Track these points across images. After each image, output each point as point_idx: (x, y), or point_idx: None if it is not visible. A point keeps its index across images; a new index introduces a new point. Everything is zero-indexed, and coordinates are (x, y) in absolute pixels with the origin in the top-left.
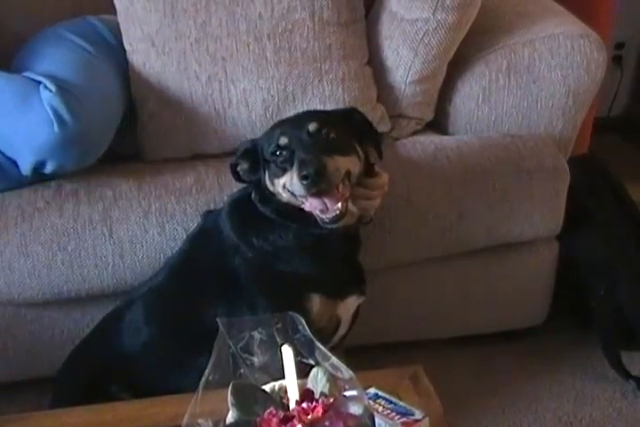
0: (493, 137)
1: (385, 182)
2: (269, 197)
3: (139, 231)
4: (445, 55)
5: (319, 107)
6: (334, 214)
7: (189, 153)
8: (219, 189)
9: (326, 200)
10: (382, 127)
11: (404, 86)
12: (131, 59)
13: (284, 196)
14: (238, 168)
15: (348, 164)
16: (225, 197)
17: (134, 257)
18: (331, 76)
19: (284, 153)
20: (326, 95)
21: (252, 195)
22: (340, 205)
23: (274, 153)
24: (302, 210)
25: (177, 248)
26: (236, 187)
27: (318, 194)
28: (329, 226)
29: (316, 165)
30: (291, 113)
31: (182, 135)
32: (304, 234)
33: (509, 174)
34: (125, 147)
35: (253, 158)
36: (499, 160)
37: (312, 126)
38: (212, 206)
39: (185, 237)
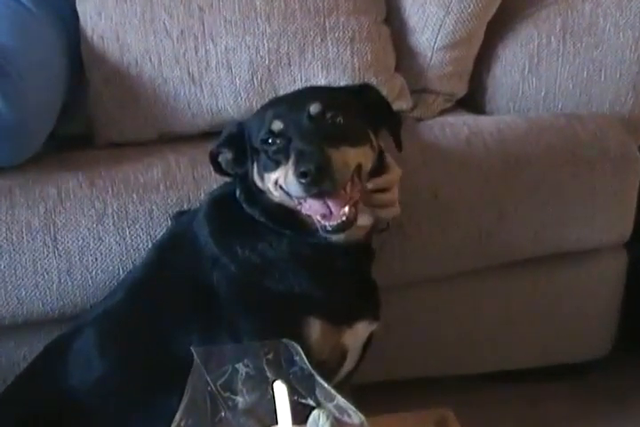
0: (543, 117)
1: (395, 179)
2: (258, 196)
3: (91, 240)
4: (485, 13)
5: (320, 72)
6: (339, 222)
7: (155, 133)
8: (194, 183)
9: (330, 203)
10: (401, 104)
11: (430, 53)
12: (81, 9)
13: (276, 195)
14: (220, 158)
15: (358, 156)
16: (202, 195)
17: (85, 272)
18: (336, 35)
19: (278, 141)
20: (330, 59)
21: (237, 192)
22: (347, 209)
23: (265, 141)
24: (299, 213)
25: (140, 260)
26: (217, 181)
27: (320, 195)
28: (332, 235)
29: (319, 158)
30: (285, 79)
31: (146, 109)
32: (300, 243)
33: (564, 165)
34: (72, 126)
35: (239, 146)
36: (550, 147)
37: (314, 108)
38: (184, 206)
39: (150, 245)
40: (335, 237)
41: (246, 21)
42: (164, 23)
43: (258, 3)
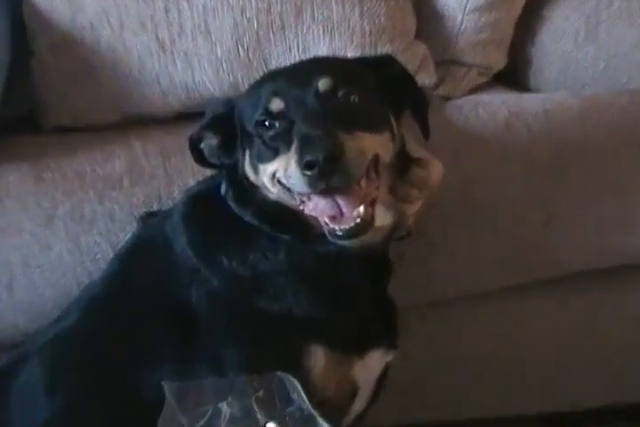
0: (601, 95)
1: (434, 175)
2: (250, 193)
3: (37, 248)
4: None
5: (322, 38)
6: (352, 225)
7: (116, 115)
8: (165, 177)
9: (341, 202)
10: (423, 79)
11: (461, 15)
12: None
13: (273, 191)
14: (202, 144)
15: (376, 145)
16: (177, 192)
17: (30, 288)
18: None
19: (278, 124)
20: (335, 21)
21: (223, 188)
22: (361, 209)
23: (261, 123)
24: (301, 214)
25: (99, 273)
26: (196, 175)
27: (329, 191)
28: (343, 242)
29: (328, 145)
30: (278, 47)
31: (104, 84)
32: (303, 252)
33: (627, 153)
34: (13, 107)
35: (227, 130)
36: (610, 131)
37: (323, 83)
38: (154, 207)
39: (112, 255)
40: (346, 244)
41: None
42: None
43: None
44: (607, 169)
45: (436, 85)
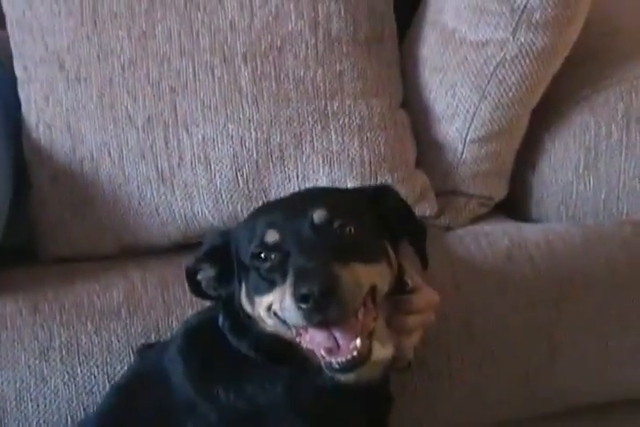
0: (604, 226)
1: (430, 303)
2: (246, 324)
3: (32, 380)
4: (529, 98)
5: (321, 168)
6: (349, 357)
7: (114, 246)
8: (164, 308)
9: (337, 334)
10: (424, 209)
11: (461, 146)
12: (25, 91)
13: (269, 323)
14: (199, 276)
15: (373, 276)
16: (174, 324)
17: (24, 423)
18: (341, 122)
19: (273, 256)
20: (333, 151)
21: (220, 320)
22: (358, 342)
23: (256, 255)
24: (298, 346)
25: (95, 407)
26: (193, 306)
27: (324, 324)
28: (340, 375)
29: (323, 277)
30: (277, 177)
31: (103, 215)
32: (301, 385)
33: (631, 287)
34: (11, 237)
35: (224, 261)
36: (614, 264)
37: (319, 215)
38: (152, 338)
39: (108, 388)
40: (344, 378)
41: (229, 106)
42: (127, 108)
43: (243, 83)
44: (611, 302)
45: (437, 215)
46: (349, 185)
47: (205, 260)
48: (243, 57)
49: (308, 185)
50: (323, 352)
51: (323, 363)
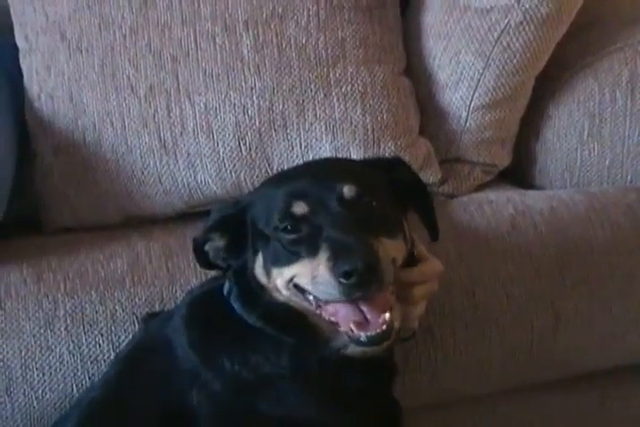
0: (608, 192)
1: (435, 273)
2: (257, 294)
3: (38, 349)
4: (533, 65)
5: (324, 136)
6: (379, 331)
7: (118, 216)
8: (168, 278)
9: (365, 308)
10: (427, 176)
11: (465, 113)
12: (26, 61)
13: (285, 293)
14: (207, 246)
15: (395, 250)
16: (178, 293)
17: (29, 391)
18: (344, 89)
19: (301, 228)
20: (336, 119)
21: (226, 289)
22: (387, 316)
23: (281, 226)
24: (309, 317)
25: (100, 376)
26: (197, 275)
27: (361, 299)
28: (366, 348)
29: (366, 253)
30: (280, 145)
31: (106, 185)
32: (306, 356)
33: (635, 253)
34: (15, 208)
35: (236, 231)
36: (619, 230)
37: (349, 190)
38: (156, 307)
39: (112, 357)
40: (351, 350)
41: (231, 74)
42: (129, 77)
43: (245, 51)
44: (615, 269)
45: (441, 183)
46: (352, 153)
47: (216, 229)
48: (244, 25)
49: (311, 153)
50: (352, 326)
51: (347, 336)
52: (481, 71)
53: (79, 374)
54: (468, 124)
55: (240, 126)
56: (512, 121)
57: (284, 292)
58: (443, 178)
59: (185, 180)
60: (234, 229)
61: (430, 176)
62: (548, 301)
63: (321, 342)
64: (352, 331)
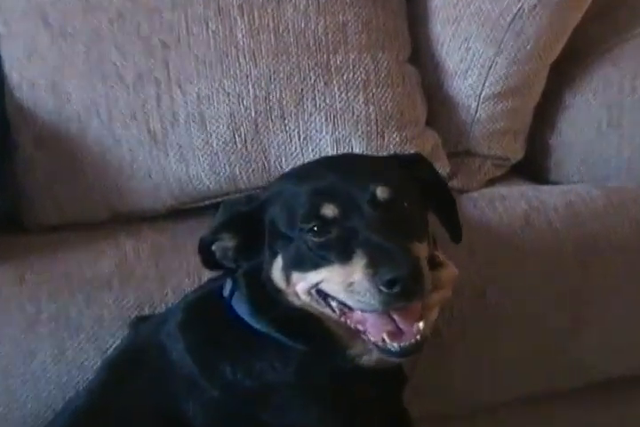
0: (627, 188)
1: (451, 279)
2: (271, 299)
3: (20, 356)
4: (548, 52)
5: (324, 127)
6: (413, 341)
7: (105, 212)
8: (158, 279)
9: (398, 318)
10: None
11: (475, 103)
12: (6, 47)
13: (304, 299)
14: (214, 246)
15: (423, 254)
16: (169, 295)
17: (10, 400)
18: (345, 77)
19: (331, 231)
20: (337, 109)
21: (227, 291)
22: (421, 325)
23: (309, 229)
24: (325, 324)
25: (85, 383)
26: (191, 275)
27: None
28: (396, 359)
29: (410, 261)
30: (278, 137)
31: (92, 179)
32: (314, 364)
33: None
34: None
35: (249, 230)
36: (638, 227)
37: (382, 192)
38: (146, 311)
39: (99, 363)
40: (366, 359)
41: (224, 61)
42: (116, 65)
43: (240, 36)
44: (635, 267)
45: (450, 177)
46: (354, 145)
47: (227, 228)
48: (239, 8)
49: (311, 145)
50: (385, 336)
51: (376, 346)
52: (492, 58)
53: (63, 381)
54: (478, 114)
55: (235, 117)
56: (525, 111)
57: (304, 297)
58: (452, 172)
59: (176, 174)
60: (247, 228)
61: (439, 170)
62: (566, 301)
63: (336, 350)
64: (383, 341)
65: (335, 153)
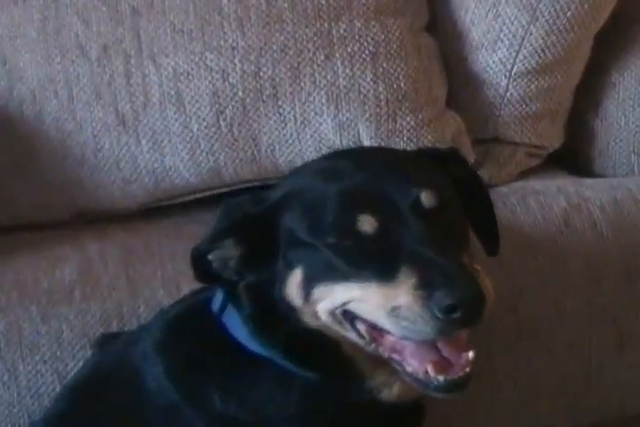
0: None
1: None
2: (281, 318)
3: None
4: (591, 20)
5: (325, 108)
6: (462, 374)
7: (67, 212)
8: (128, 289)
9: (446, 347)
10: None
11: (505, 81)
12: None
13: (324, 320)
14: (212, 255)
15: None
16: (143, 308)
17: None
18: (350, 49)
19: (366, 242)
20: (340, 87)
21: (216, 306)
22: (471, 355)
23: (336, 241)
24: (342, 349)
25: (41, 412)
26: (167, 284)
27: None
28: (441, 394)
29: (472, 281)
30: (270, 121)
31: (50, 171)
32: (323, 396)
33: None
34: None
35: (259, 236)
36: None
37: (428, 198)
38: (114, 326)
39: (60, 389)
40: (386, 394)
41: (206, 30)
42: (77, 35)
43: (225, 1)
44: None
45: (476, 168)
46: (361, 130)
47: (231, 234)
48: None
49: (309, 130)
50: (429, 368)
51: (415, 379)
52: (526, 27)
53: (15, 410)
54: (508, 94)
55: (219, 96)
56: (565, 91)
57: (325, 318)
58: (477, 162)
59: (149, 165)
60: (255, 234)
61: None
62: (610, 317)
63: (353, 379)
64: (425, 373)
65: (352, 146)
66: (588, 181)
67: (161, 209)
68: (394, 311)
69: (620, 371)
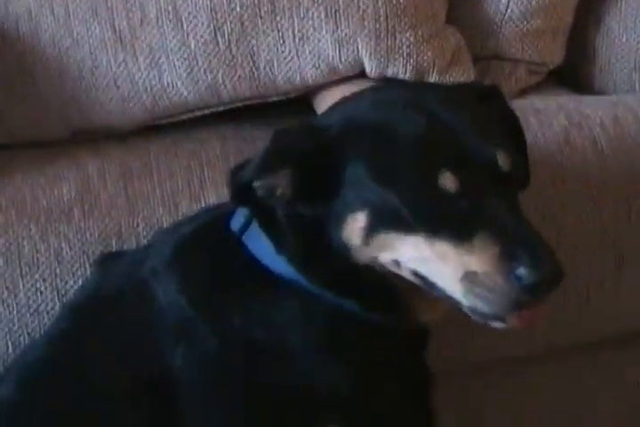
0: None
1: None
2: (329, 252)
3: None
4: None
5: (324, 24)
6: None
7: (64, 130)
8: (127, 207)
9: (527, 315)
10: (457, 76)
11: None
12: None
13: (384, 264)
14: (257, 182)
15: None
16: (142, 226)
17: None
18: None
19: (448, 202)
20: (339, 2)
21: (237, 225)
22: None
23: (413, 195)
24: (389, 281)
25: (43, 332)
26: (167, 202)
27: None
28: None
29: (556, 261)
30: (268, 37)
31: (47, 89)
32: (345, 318)
33: None
34: None
35: (318, 171)
36: None
37: (505, 161)
38: (112, 245)
39: (60, 307)
40: (425, 319)
41: None
42: None
43: None
44: None
45: None
46: (360, 46)
47: (287, 165)
48: None
49: (307, 47)
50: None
51: (476, 315)
52: None
53: (15, 328)
54: (509, 9)
55: (216, 12)
56: (566, 7)
57: (384, 263)
58: (476, 79)
59: (147, 82)
60: (311, 167)
61: (461, 76)
62: (609, 237)
63: (399, 308)
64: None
65: (352, 62)
66: (589, 98)
67: (159, 128)
68: (468, 277)
69: (618, 290)
